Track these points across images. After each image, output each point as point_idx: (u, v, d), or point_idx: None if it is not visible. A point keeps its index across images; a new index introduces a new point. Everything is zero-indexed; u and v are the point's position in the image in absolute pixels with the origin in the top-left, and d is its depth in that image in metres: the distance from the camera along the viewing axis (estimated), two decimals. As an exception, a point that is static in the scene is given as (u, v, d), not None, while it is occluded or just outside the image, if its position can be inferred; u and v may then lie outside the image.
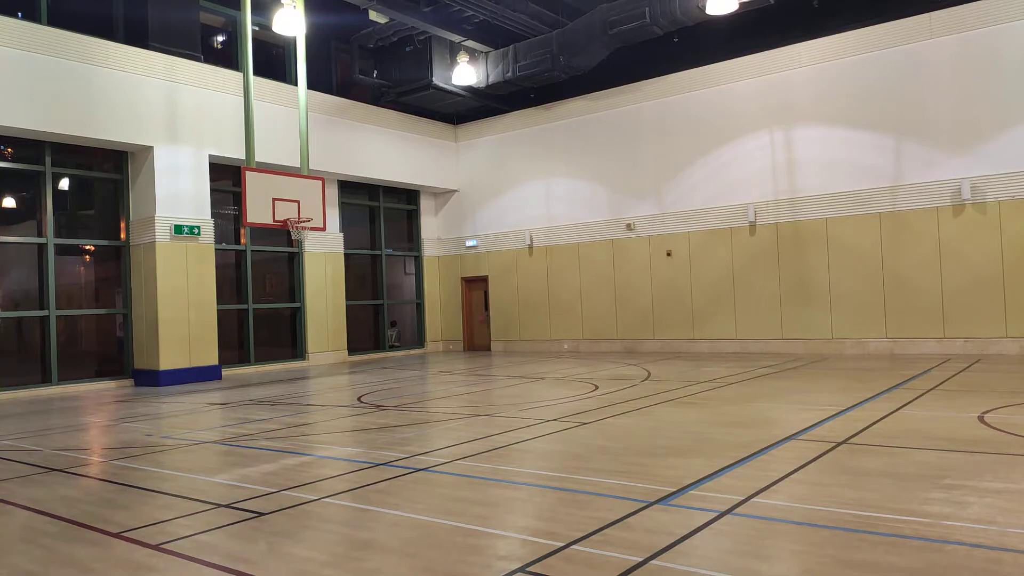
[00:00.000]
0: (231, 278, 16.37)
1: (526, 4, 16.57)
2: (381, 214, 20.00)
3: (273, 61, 17.42)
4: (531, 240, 19.27)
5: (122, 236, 14.67)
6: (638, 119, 17.59)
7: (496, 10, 16.03)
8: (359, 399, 10.57)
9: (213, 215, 15.21)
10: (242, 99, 13.95)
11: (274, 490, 5.28)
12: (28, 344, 13.81)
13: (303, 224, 13.37)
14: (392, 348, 20.20)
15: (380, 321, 20.02)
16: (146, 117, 14.01)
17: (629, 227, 17.62)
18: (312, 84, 16.13)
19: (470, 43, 17.88)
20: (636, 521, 4.19)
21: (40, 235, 13.51)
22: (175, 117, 14.45)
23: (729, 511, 4.29)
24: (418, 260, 21.09)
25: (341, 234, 18.53)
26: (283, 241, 17.21)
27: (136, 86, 13.87)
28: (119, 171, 14.60)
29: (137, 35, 14.30)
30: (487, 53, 18.02)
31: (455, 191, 21.01)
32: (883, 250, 14.39)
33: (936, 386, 9.36)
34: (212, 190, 15.18)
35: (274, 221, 12.98)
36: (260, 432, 7.98)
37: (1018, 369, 10.91)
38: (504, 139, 20.04)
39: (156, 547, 4.08)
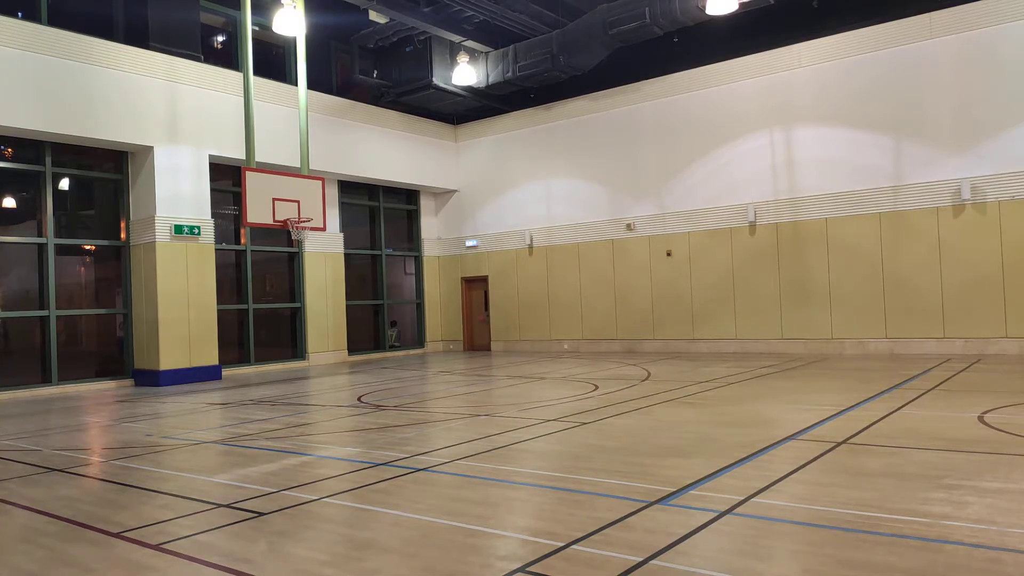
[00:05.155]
0: (231, 278, 16.37)
1: (526, 4, 16.56)
2: (381, 214, 20.00)
3: (273, 61, 17.43)
4: (531, 240, 19.27)
5: (122, 236, 14.67)
6: (638, 119, 17.59)
7: (496, 10, 16.03)
8: (359, 399, 10.57)
9: (213, 215, 15.21)
10: (242, 99, 13.94)
11: (274, 490, 5.28)
12: (28, 344, 13.80)
13: (303, 224, 13.37)
14: (392, 348, 20.20)
15: (380, 321, 20.02)
16: (146, 117, 14.01)
17: (629, 227, 17.62)
18: (312, 84, 16.12)
19: (470, 43, 17.88)
20: (636, 521, 4.19)
21: (40, 235, 13.51)
22: (175, 117, 14.45)
23: (729, 511, 4.29)
24: (418, 260, 21.09)
25: (341, 234, 18.53)
26: (283, 241, 17.21)
27: (136, 86, 13.87)
28: (119, 171, 14.60)
29: (137, 35, 14.30)
30: (487, 53, 18.02)
31: (455, 191, 21.01)
32: (883, 250, 14.39)
33: (936, 386, 9.36)
34: (212, 190, 15.18)
35: (274, 221, 12.97)
36: (260, 432, 7.98)
37: (1018, 369, 10.91)
38: (504, 139, 20.04)
39: (156, 547, 4.08)
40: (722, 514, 4.24)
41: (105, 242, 14.61)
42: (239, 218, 16.07)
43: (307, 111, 14.33)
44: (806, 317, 15.22)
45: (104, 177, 14.62)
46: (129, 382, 14.42)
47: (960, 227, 13.64)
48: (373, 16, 16.84)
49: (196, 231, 14.57)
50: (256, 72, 14.51)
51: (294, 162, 15.34)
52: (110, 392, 13.29)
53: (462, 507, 4.64)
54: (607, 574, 3.42)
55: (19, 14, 13.16)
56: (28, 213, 13.81)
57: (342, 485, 5.36)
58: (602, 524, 4.14)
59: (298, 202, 13.35)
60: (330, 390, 12.01)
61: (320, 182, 13.96)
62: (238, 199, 15.57)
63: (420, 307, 21.05)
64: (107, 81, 13.47)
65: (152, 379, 14.00)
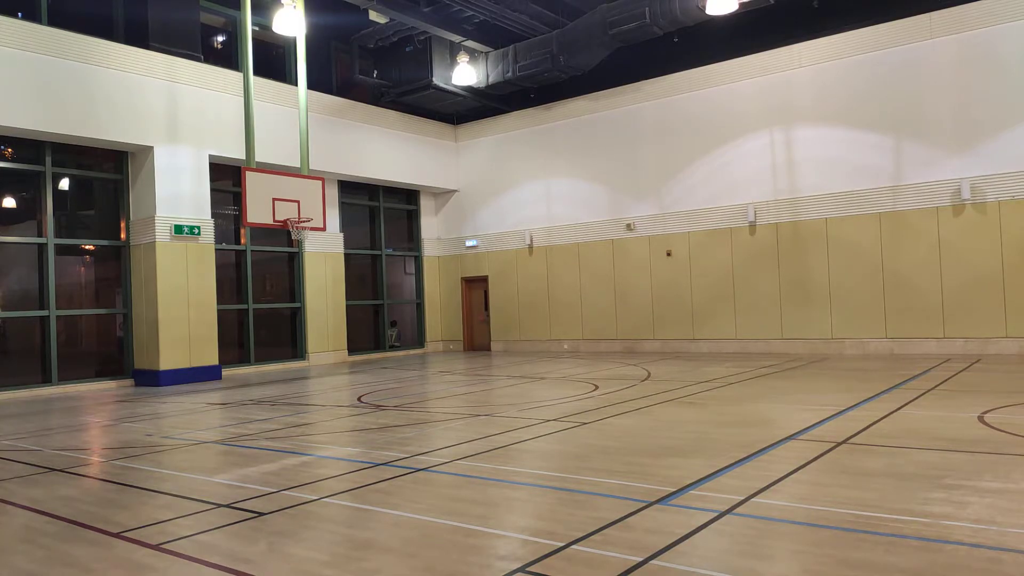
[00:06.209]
0: (231, 278, 16.37)
1: (526, 4, 16.57)
2: (381, 214, 20.00)
3: (273, 61, 17.43)
4: (531, 240, 19.27)
5: (122, 236, 14.67)
6: (638, 119, 17.59)
7: (496, 10, 16.03)
8: (359, 399, 10.57)
9: (213, 215, 15.21)
10: (242, 99, 13.95)
11: (274, 490, 5.28)
12: (28, 344, 13.80)
13: (303, 224, 13.37)
14: (392, 348, 20.20)
15: (380, 321, 20.02)
16: (146, 117, 14.01)
17: (629, 227, 17.62)
18: (312, 84, 16.13)
19: (470, 43, 17.87)
20: (636, 521, 4.19)
21: (40, 235, 13.51)
22: (175, 117, 14.45)
23: (729, 511, 4.29)
24: (418, 260, 21.09)
25: (341, 234, 18.53)
26: (283, 241, 17.21)
27: (136, 86, 13.87)
28: (119, 171, 14.60)
29: (137, 35, 14.30)
30: (487, 53, 18.02)
31: (455, 191, 21.01)
32: (883, 250, 14.39)
33: (936, 386, 9.36)
34: (212, 190, 15.18)
35: (274, 221, 12.97)
36: (260, 432, 7.98)
37: (1018, 369, 10.91)
38: (504, 139, 20.04)
39: (156, 547, 4.08)
40: (722, 514, 4.24)
41: (105, 242, 14.60)
42: (239, 218, 16.07)
43: (307, 111, 14.33)
44: (806, 317, 15.22)
45: (104, 177, 14.62)
46: (129, 382, 14.42)
47: (960, 227, 13.63)
48: (373, 16, 16.83)
49: (196, 231, 14.57)
50: (256, 72, 14.51)
51: (294, 162, 15.34)
52: (110, 392, 13.29)
53: (462, 507, 4.64)
54: (607, 574, 3.42)
55: (19, 14, 13.16)
56: (28, 213, 13.81)
57: (342, 485, 5.36)
58: (602, 524, 4.14)
59: (298, 202, 13.36)
60: (330, 390, 12.01)
61: (320, 182, 13.96)
62: (238, 199, 15.57)
63: (420, 307, 21.05)
64: (107, 81, 13.47)
65: (152, 379, 14.00)
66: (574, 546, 3.81)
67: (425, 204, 21.21)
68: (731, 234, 16.19)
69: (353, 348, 18.90)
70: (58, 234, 13.79)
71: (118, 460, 6.78)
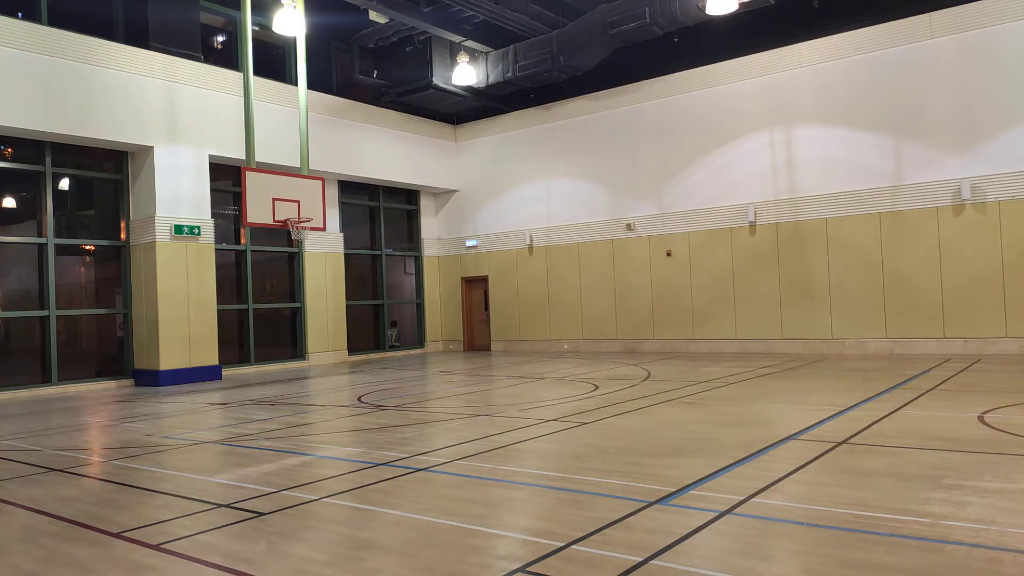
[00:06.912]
0: (231, 278, 16.37)
1: (526, 4, 16.57)
2: (381, 214, 20.00)
3: (273, 61, 17.42)
4: (531, 240, 19.27)
5: (122, 236, 14.67)
6: (638, 119, 17.59)
7: (496, 10, 16.03)
8: (359, 399, 10.57)
9: (213, 215, 15.21)
10: (242, 99, 13.95)
11: (274, 490, 5.28)
12: (28, 344, 13.80)
13: (303, 224, 13.37)
14: (392, 348, 20.20)
15: (380, 321, 20.02)
16: (146, 117, 14.01)
17: (629, 227, 17.62)
18: (312, 84, 16.13)
19: (470, 43, 17.88)
20: (636, 521, 4.19)
21: (40, 235, 13.51)
22: (175, 117, 14.45)
23: (729, 511, 4.29)
24: (418, 260, 21.10)
25: (341, 234, 18.53)
26: (283, 241, 17.21)
27: (136, 86, 13.87)
28: (119, 171, 14.61)
29: (137, 35, 14.30)
30: (487, 53, 18.02)
31: (455, 191, 21.01)
32: (883, 250, 14.39)
33: (936, 386, 9.36)
34: (212, 190, 15.18)
35: (274, 221, 12.97)
36: (260, 432, 7.98)
37: (1018, 369, 10.91)
38: (504, 139, 20.04)
39: (156, 547, 4.09)
40: (722, 514, 4.24)
41: (105, 242, 14.60)
42: (239, 218, 16.07)
43: (307, 111, 14.33)
44: (806, 317, 15.22)
45: (104, 177, 14.62)
46: (129, 382, 14.42)
47: (960, 227, 13.63)
48: (373, 16, 16.84)
49: (196, 231, 14.57)
50: (256, 72, 14.50)
51: (294, 162, 15.34)
52: (110, 392, 13.29)
53: (462, 507, 4.64)
54: (607, 574, 3.42)
55: (19, 14, 13.16)
56: (28, 213, 13.81)
57: (342, 485, 5.36)
58: (602, 524, 4.14)
59: (298, 202, 13.36)
60: (330, 390, 12.00)
61: (320, 182, 13.96)
62: (238, 199, 15.57)
63: (420, 307, 21.05)
64: (107, 81, 13.47)
65: (152, 379, 14.00)
66: (574, 546, 3.81)
67: (425, 204, 21.21)
68: (731, 234, 16.19)
69: (353, 348, 18.90)
70: (58, 234, 13.79)
71: (118, 460, 6.79)
